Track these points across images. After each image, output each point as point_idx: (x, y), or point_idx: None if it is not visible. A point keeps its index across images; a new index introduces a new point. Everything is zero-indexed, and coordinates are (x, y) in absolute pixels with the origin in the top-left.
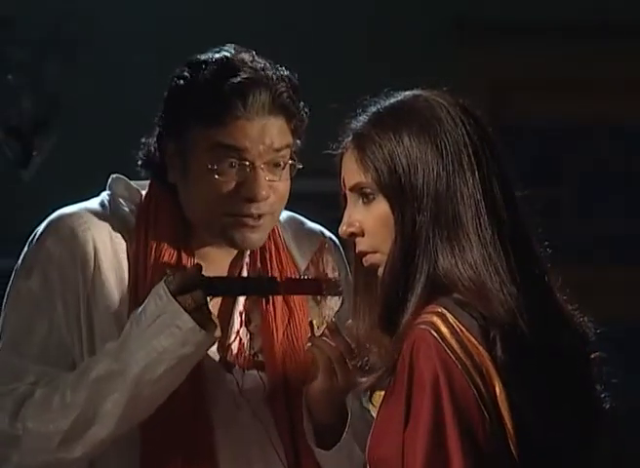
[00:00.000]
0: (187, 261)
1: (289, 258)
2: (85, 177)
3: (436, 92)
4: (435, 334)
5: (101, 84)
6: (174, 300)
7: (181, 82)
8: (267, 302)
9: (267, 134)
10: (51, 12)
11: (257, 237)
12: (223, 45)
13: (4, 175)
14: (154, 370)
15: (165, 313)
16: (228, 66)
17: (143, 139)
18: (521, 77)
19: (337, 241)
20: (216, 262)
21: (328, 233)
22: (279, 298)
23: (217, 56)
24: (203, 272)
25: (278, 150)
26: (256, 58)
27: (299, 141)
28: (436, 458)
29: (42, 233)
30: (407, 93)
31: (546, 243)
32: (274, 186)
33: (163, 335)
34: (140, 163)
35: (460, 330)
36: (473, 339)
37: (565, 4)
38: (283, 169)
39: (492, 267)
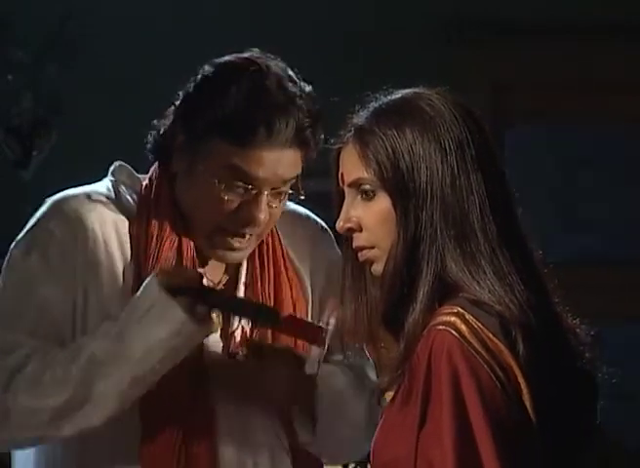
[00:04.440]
0: (187, 251)
1: (285, 253)
2: (85, 177)
3: (437, 90)
4: (456, 335)
5: (101, 84)
6: (164, 293)
7: (211, 87)
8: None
9: (281, 165)
10: (51, 12)
11: (239, 256)
12: (223, 44)
13: (4, 175)
14: (148, 359)
15: (157, 304)
16: (261, 87)
17: (155, 122)
18: (521, 77)
19: (329, 231)
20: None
21: (321, 222)
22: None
23: (251, 68)
24: (204, 279)
25: (286, 181)
26: (288, 72)
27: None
28: (468, 455)
29: (45, 213)
30: (408, 90)
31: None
32: (271, 211)
33: (156, 326)
34: (147, 147)
35: (480, 328)
36: (493, 337)
37: (565, 4)
38: (284, 197)
39: (500, 267)
